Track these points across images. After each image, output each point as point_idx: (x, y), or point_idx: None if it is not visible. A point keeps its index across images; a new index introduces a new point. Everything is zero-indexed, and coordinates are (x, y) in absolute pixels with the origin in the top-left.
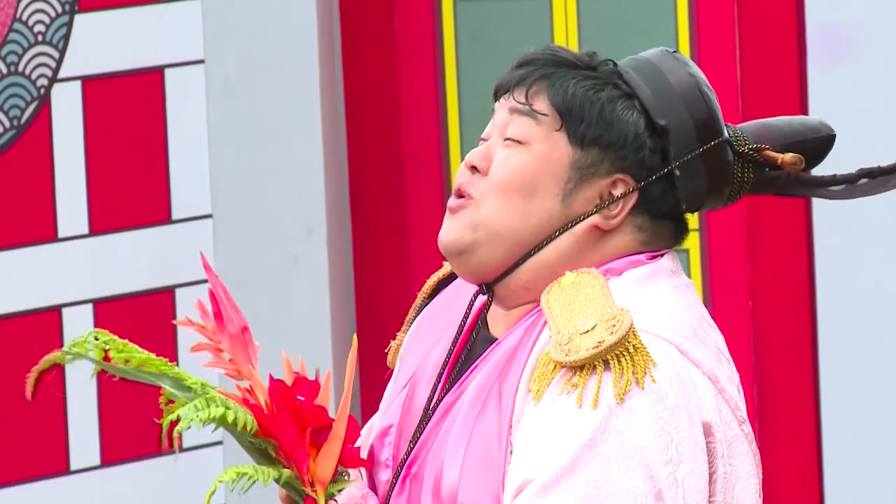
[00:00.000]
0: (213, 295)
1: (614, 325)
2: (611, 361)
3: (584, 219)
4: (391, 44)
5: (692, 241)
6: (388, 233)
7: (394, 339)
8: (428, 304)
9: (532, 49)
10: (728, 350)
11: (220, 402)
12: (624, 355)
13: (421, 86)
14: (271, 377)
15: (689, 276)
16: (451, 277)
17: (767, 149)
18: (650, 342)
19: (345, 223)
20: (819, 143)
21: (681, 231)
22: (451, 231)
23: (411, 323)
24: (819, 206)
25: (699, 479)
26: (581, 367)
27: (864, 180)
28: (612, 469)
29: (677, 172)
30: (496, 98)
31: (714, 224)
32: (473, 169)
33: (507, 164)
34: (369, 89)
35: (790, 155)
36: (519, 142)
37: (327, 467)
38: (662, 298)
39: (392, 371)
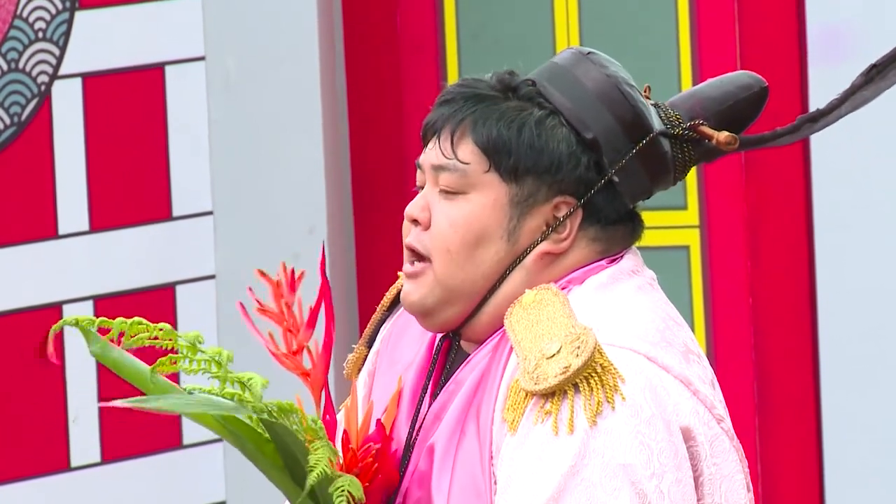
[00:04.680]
0: (321, 296)
1: (579, 347)
2: (580, 384)
3: (531, 250)
4: (393, 40)
5: (692, 238)
6: (391, 231)
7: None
8: (388, 317)
9: (450, 86)
10: (727, 345)
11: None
12: (592, 376)
13: (423, 83)
14: (380, 423)
15: (689, 272)
16: None
17: (702, 124)
18: (617, 356)
19: (346, 221)
20: (753, 99)
21: (636, 228)
22: (413, 293)
23: (371, 337)
24: (820, 203)
25: (685, 488)
26: (552, 393)
27: (808, 125)
28: (597, 492)
29: (615, 179)
30: (424, 140)
31: (714, 221)
32: (415, 222)
33: (447, 218)
34: (371, 86)
35: (724, 135)
36: (454, 192)
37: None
38: (626, 304)
39: (352, 384)
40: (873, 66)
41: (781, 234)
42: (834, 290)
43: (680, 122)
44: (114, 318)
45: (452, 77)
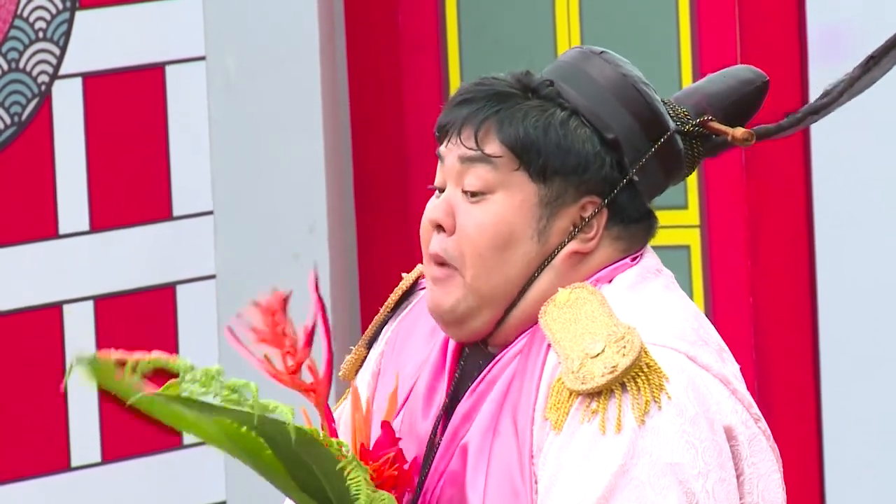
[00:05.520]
0: (316, 316)
1: (625, 347)
2: (627, 383)
3: (560, 250)
4: (394, 40)
5: (693, 237)
6: (392, 231)
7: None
8: (391, 318)
9: (465, 84)
10: (727, 345)
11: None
12: (639, 375)
13: (424, 81)
14: (389, 426)
15: (689, 272)
16: (413, 289)
17: (712, 120)
18: (660, 355)
19: (348, 220)
20: (756, 93)
21: (653, 225)
22: (444, 300)
23: (372, 339)
24: (820, 201)
25: (729, 487)
26: (598, 393)
27: (811, 117)
28: (646, 492)
29: (636, 178)
30: (440, 141)
31: (715, 219)
32: (439, 227)
33: (474, 222)
34: (373, 85)
35: (741, 131)
36: (480, 193)
37: None
38: (659, 303)
39: (351, 385)
40: (871, 58)
41: (782, 233)
42: (834, 290)
43: (688, 119)
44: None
45: (454, 76)
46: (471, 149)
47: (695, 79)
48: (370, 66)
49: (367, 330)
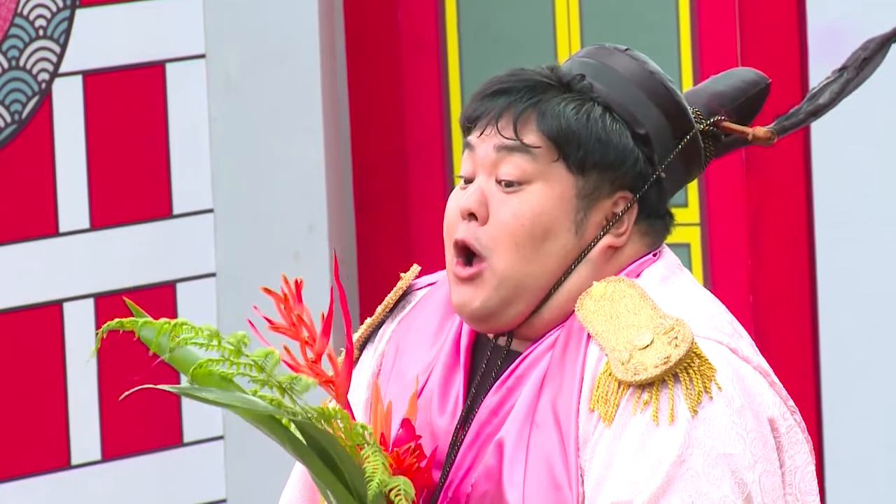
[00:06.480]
0: (333, 303)
1: (676, 338)
2: (679, 374)
3: (595, 243)
4: (394, 38)
5: (693, 236)
6: (392, 229)
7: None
8: (387, 318)
9: (498, 75)
10: None
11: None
12: (690, 366)
13: (424, 81)
14: (409, 422)
15: (690, 270)
16: (409, 289)
17: (725, 120)
18: (706, 347)
19: (347, 220)
20: (761, 95)
21: (671, 223)
22: (474, 300)
23: (366, 340)
24: (820, 200)
25: (774, 478)
26: (650, 384)
27: (811, 117)
28: (702, 482)
29: (663, 175)
30: (469, 131)
31: (715, 218)
32: (471, 216)
33: (511, 211)
34: (372, 84)
35: (762, 130)
36: (517, 183)
37: None
38: (694, 296)
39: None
40: (864, 60)
41: (782, 231)
42: (834, 288)
43: (701, 118)
44: (114, 317)
45: (454, 76)
46: (509, 138)
47: (695, 78)
48: (370, 66)
49: (361, 330)
